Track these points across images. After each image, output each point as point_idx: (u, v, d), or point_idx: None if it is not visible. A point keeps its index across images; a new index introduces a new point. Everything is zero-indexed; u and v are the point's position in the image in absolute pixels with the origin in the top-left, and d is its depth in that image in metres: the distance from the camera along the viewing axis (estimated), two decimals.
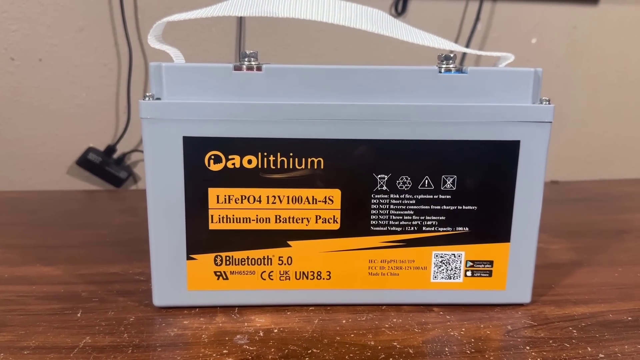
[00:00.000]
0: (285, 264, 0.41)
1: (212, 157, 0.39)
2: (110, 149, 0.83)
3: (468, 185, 0.40)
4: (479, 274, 0.42)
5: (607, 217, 0.68)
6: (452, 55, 0.40)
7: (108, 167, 0.82)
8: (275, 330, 0.38)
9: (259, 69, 0.38)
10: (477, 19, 0.83)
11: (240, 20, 0.80)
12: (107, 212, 0.67)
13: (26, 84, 0.78)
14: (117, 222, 0.63)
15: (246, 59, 0.39)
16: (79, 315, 0.40)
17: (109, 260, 0.51)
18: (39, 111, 0.79)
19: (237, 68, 0.38)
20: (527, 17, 0.85)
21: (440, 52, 0.40)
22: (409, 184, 0.40)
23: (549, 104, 0.39)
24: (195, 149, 0.39)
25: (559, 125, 0.89)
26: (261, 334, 0.38)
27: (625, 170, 0.93)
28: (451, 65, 0.39)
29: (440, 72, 0.39)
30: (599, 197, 0.79)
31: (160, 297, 0.41)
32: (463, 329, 0.39)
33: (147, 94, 0.38)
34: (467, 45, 0.84)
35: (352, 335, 0.38)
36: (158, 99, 0.38)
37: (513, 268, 0.42)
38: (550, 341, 0.37)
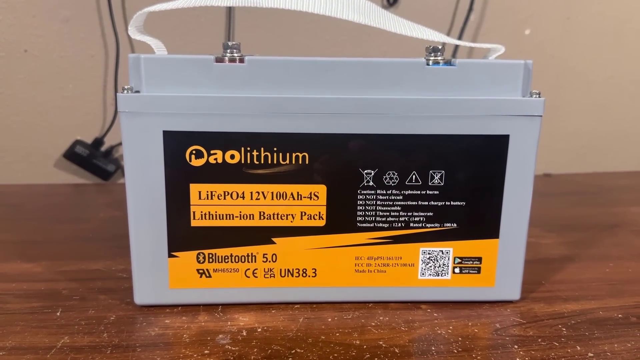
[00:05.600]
0: (269, 262, 0.40)
1: (194, 152, 0.38)
2: (98, 142, 0.82)
3: (456, 181, 0.39)
4: (467, 271, 0.41)
5: (599, 210, 0.67)
6: (440, 47, 0.39)
7: (96, 160, 0.81)
8: (259, 330, 0.37)
9: (241, 60, 0.37)
10: (470, 9, 0.82)
11: (230, 10, 0.78)
12: (92, 206, 0.66)
13: (11, 76, 0.77)
14: (103, 216, 0.62)
15: (228, 51, 0.37)
16: (58, 314, 0.39)
17: (91, 257, 0.50)
18: (24, 103, 0.78)
19: (219, 60, 0.37)
20: (521, 7, 0.84)
21: (429, 44, 0.39)
22: (396, 179, 0.39)
23: (539, 97, 0.38)
24: (175, 143, 0.37)
25: (552, 117, 0.88)
26: (244, 333, 0.37)
27: (618, 162, 0.93)
28: (439, 58, 0.38)
29: (427, 64, 0.38)
30: (592, 190, 0.78)
31: (142, 295, 0.40)
32: (450, 327, 0.38)
33: (126, 87, 0.37)
34: (460, 37, 0.83)
35: (338, 334, 0.37)
36: (137, 91, 0.37)
37: (502, 265, 0.41)
38: (539, 340, 0.37)
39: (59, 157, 0.81)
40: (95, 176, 0.81)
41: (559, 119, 0.89)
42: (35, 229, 0.57)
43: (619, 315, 0.40)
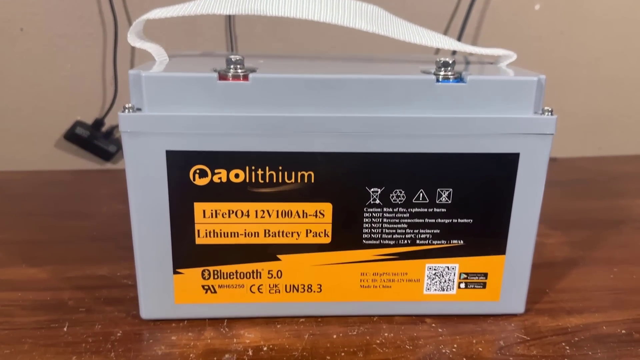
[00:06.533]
0: (275, 278, 0.40)
1: (197, 171, 0.37)
2: (99, 123, 0.81)
3: (464, 199, 0.39)
4: (472, 286, 0.41)
5: (604, 203, 0.67)
6: (450, 61, 0.37)
7: (97, 141, 0.80)
8: (265, 349, 0.38)
9: (245, 77, 0.36)
10: None
11: None
12: (95, 197, 0.66)
13: (7, 55, 0.75)
14: (105, 210, 0.62)
15: (232, 67, 0.36)
16: (65, 329, 0.39)
17: (96, 260, 0.50)
18: (23, 83, 0.76)
19: (222, 77, 0.36)
20: None
21: (439, 51, 0.38)
22: (403, 197, 0.38)
23: (552, 114, 0.37)
24: (179, 163, 0.37)
25: (559, 94, 0.86)
26: (250, 353, 0.37)
27: (624, 139, 0.91)
28: (449, 73, 0.37)
29: (437, 80, 0.37)
30: (597, 177, 0.77)
31: (148, 310, 0.40)
32: (455, 345, 0.38)
33: (127, 106, 0.36)
34: (468, 13, 0.80)
35: (343, 354, 0.37)
36: (139, 109, 0.36)
37: (507, 280, 0.41)
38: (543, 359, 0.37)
39: (59, 138, 0.80)
40: (96, 157, 0.80)
41: (566, 96, 0.87)
42: (38, 227, 0.57)
43: (623, 331, 0.40)
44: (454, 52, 0.63)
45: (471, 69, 0.41)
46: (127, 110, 0.36)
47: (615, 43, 0.86)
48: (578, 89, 0.87)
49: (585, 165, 0.83)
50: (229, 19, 0.77)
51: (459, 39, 0.79)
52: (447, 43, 0.42)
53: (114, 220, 0.59)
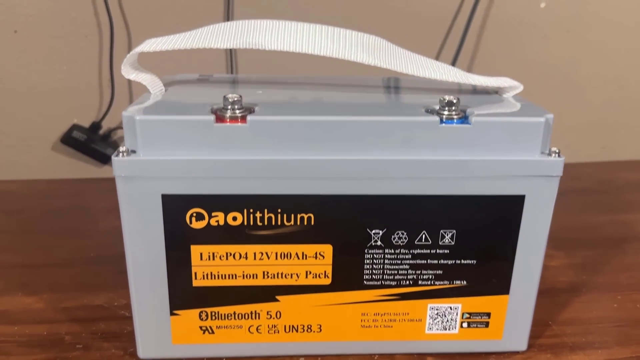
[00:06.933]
0: (274, 318, 0.39)
1: (194, 214, 0.36)
2: (96, 126, 0.80)
3: (468, 240, 0.38)
4: (475, 325, 0.40)
5: (608, 218, 0.66)
6: (454, 100, 0.36)
7: (94, 144, 0.79)
8: None
9: (243, 119, 0.35)
10: None
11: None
12: (93, 212, 0.65)
13: (1, 58, 0.73)
14: (103, 227, 0.61)
15: (229, 107, 0.35)
16: None
17: (93, 286, 0.49)
18: (18, 86, 0.75)
19: (219, 119, 0.35)
20: None
21: (443, 93, 0.37)
22: (405, 238, 0.38)
23: (559, 156, 0.36)
24: (175, 207, 0.36)
25: (564, 93, 0.85)
26: None
27: (628, 138, 0.90)
28: (453, 113, 0.36)
29: (441, 121, 0.35)
30: (601, 187, 0.76)
31: (145, 350, 0.39)
32: None
33: (121, 149, 0.35)
34: (473, 11, 0.78)
35: None
36: (133, 151, 0.35)
37: (510, 319, 0.40)
38: None
39: (55, 141, 0.79)
40: (94, 160, 0.79)
41: (571, 94, 0.86)
42: (35, 247, 0.56)
43: None
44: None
45: (475, 102, 0.39)
46: (121, 154, 0.35)
47: (622, 42, 0.84)
48: (583, 88, 0.86)
49: (589, 172, 0.82)
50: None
51: (463, 37, 0.78)
52: (452, 75, 0.40)
53: (110, 240, 0.58)
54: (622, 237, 0.60)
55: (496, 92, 0.43)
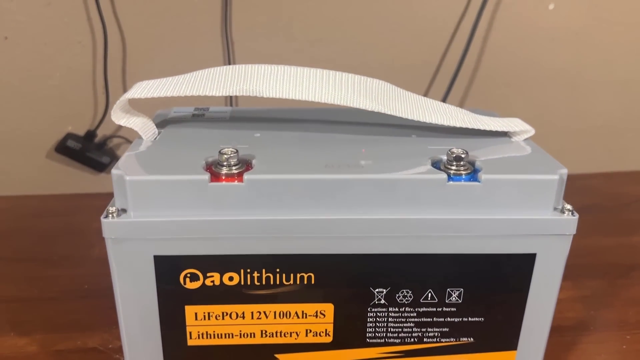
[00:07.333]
0: None
1: (188, 275, 0.34)
2: (91, 134, 0.78)
3: (475, 298, 0.36)
4: None
5: (616, 241, 0.64)
6: (463, 155, 0.34)
7: (89, 153, 0.78)
8: None
9: (240, 177, 0.33)
10: None
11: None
12: (86, 234, 0.63)
13: None
14: (97, 253, 0.59)
15: (225, 164, 0.33)
16: None
17: (87, 325, 0.48)
18: (9, 94, 0.73)
19: (214, 177, 0.33)
20: None
21: (451, 148, 0.35)
22: (410, 297, 0.36)
23: (573, 214, 0.34)
24: (168, 268, 0.34)
25: (571, 95, 0.83)
26: None
27: (636, 142, 0.88)
28: (462, 169, 0.34)
29: (449, 178, 0.34)
30: (608, 203, 0.74)
31: None
32: None
33: (110, 210, 0.33)
34: (480, 12, 0.75)
35: None
36: (124, 210, 0.33)
37: None
38: None
39: (50, 149, 0.78)
40: (89, 168, 0.77)
41: (578, 97, 0.84)
42: (27, 278, 0.55)
43: None
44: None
45: (484, 149, 0.37)
46: (110, 215, 0.33)
47: (631, 44, 0.82)
48: (591, 91, 0.84)
49: (595, 186, 0.80)
50: (225, 25, 0.73)
51: (470, 39, 0.75)
52: (460, 120, 0.38)
53: (105, 269, 0.56)
54: (630, 264, 0.59)
55: (506, 133, 0.41)
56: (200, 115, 0.44)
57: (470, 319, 0.37)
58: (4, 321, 0.48)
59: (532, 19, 0.78)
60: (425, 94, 0.80)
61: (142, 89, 0.37)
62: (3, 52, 0.71)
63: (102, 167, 0.79)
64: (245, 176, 0.33)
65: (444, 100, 0.78)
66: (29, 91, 0.74)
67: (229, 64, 0.75)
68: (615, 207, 0.73)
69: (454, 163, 0.34)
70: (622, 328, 0.49)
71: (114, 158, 0.79)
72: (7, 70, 0.72)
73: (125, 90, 0.76)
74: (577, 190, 0.76)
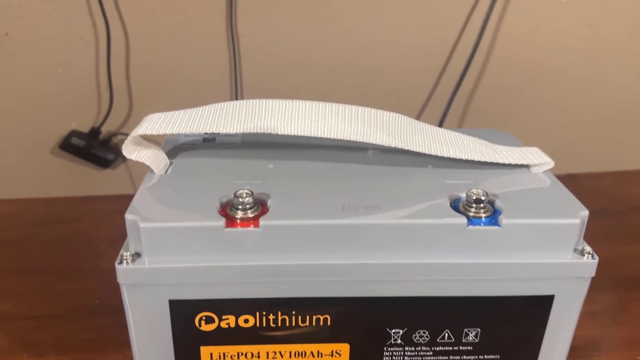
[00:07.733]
0: None
1: (204, 318, 0.34)
2: (95, 131, 0.77)
3: (492, 338, 0.36)
4: None
5: (627, 249, 0.64)
6: (483, 197, 0.33)
7: (94, 150, 0.77)
8: None
9: (255, 221, 0.32)
10: None
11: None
12: (95, 244, 0.63)
13: None
14: (107, 264, 0.59)
15: (240, 207, 0.32)
16: None
17: (100, 345, 0.47)
18: (10, 91, 0.71)
19: (230, 220, 0.32)
20: None
21: (472, 190, 0.34)
22: (427, 337, 0.36)
23: (593, 257, 0.34)
24: (183, 311, 0.34)
25: (583, 88, 0.81)
26: None
27: None
28: (482, 212, 0.33)
29: (469, 222, 0.33)
30: (618, 207, 0.74)
31: None
32: None
33: (124, 255, 0.32)
34: (492, 4, 0.73)
35: None
36: (137, 254, 0.33)
37: None
38: None
39: (54, 146, 0.77)
40: (94, 164, 0.77)
41: (589, 90, 0.82)
42: (37, 293, 0.54)
43: None
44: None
45: (502, 184, 0.37)
46: (124, 261, 0.32)
47: None
48: (603, 83, 0.82)
49: (605, 187, 0.79)
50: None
51: (482, 31, 0.73)
52: (477, 153, 0.38)
53: (114, 282, 0.56)
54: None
55: (524, 165, 0.40)
56: (211, 140, 0.43)
57: (486, 356, 0.37)
58: (16, 341, 0.48)
59: (544, 11, 0.76)
60: (434, 89, 0.78)
61: (154, 124, 0.36)
62: (3, 49, 0.69)
63: (107, 163, 0.79)
64: (262, 222, 0.32)
65: (453, 94, 0.76)
66: (31, 88, 0.72)
67: (234, 58, 0.73)
68: (625, 211, 0.73)
69: (474, 205, 0.33)
70: (633, 348, 0.49)
71: (119, 154, 0.78)
72: (7, 67, 0.70)
73: (129, 86, 0.74)
74: (587, 191, 0.76)
